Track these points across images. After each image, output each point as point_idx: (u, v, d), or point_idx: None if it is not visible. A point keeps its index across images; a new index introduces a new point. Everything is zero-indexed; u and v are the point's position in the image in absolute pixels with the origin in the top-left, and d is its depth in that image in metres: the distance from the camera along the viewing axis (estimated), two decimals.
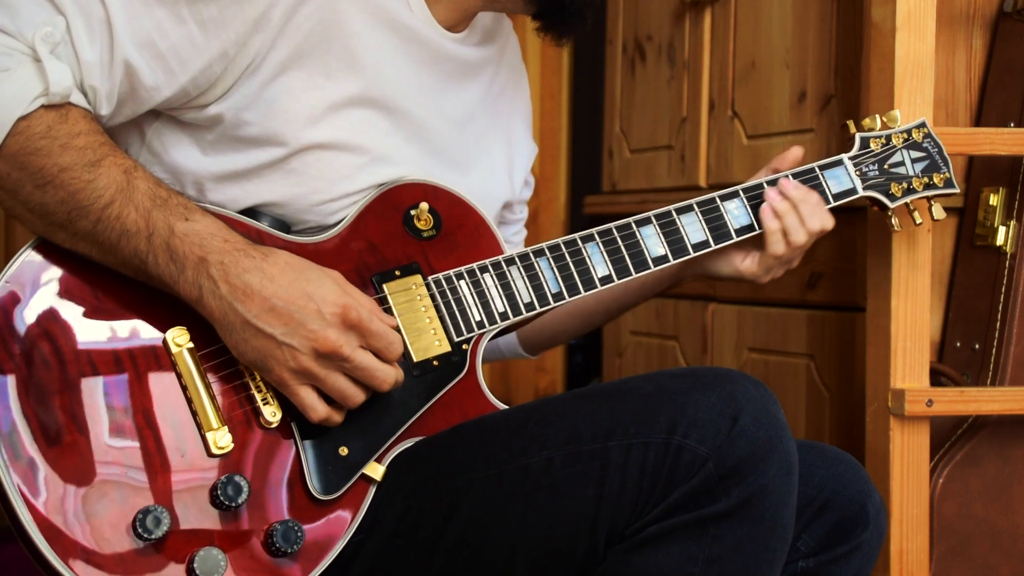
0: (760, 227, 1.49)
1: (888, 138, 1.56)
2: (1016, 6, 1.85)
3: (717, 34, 2.31)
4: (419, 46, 1.39)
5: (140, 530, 1.17)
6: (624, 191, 2.62)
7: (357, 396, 1.25)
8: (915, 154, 1.57)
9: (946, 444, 1.82)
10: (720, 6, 2.30)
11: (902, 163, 1.56)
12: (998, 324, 1.80)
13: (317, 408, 1.24)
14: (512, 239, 1.66)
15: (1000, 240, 1.81)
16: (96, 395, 1.20)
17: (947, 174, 1.58)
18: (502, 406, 1.36)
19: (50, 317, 1.22)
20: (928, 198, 1.58)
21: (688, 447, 1.19)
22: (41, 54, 1.21)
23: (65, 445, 1.18)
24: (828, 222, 1.50)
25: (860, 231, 1.85)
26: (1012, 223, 1.80)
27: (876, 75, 1.70)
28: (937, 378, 1.79)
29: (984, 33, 1.89)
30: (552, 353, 3.48)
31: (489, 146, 1.52)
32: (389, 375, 1.25)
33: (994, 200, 1.82)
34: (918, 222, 1.59)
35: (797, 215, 1.48)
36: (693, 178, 2.35)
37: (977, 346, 1.82)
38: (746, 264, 1.52)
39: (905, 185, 1.56)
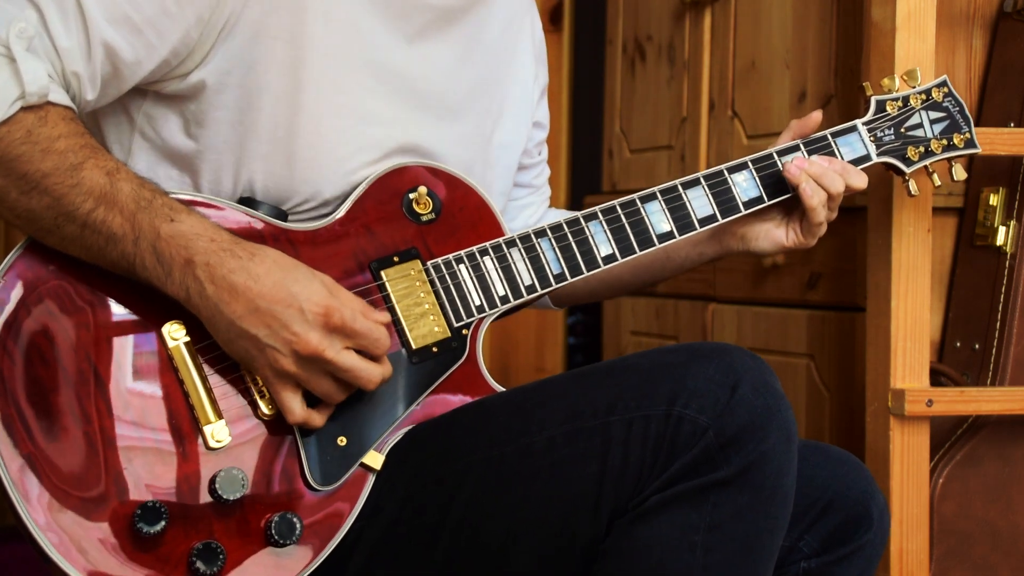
0: (791, 192, 1.45)
1: (905, 100, 1.52)
2: (1016, 6, 1.85)
3: (717, 34, 2.31)
4: None
5: (139, 524, 1.17)
6: (624, 191, 2.61)
7: (340, 396, 1.25)
8: (934, 115, 1.53)
9: (946, 444, 1.82)
10: (720, 6, 2.30)
11: (920, 125, 1.52)
12: (998, 324, 1.80)
13: (295, 412, 1.23)
14: (534, 182, 1.64)
15: (1000, 240, 1.81)
16: (94, 390, 1.20)
17: (968, 134, 1.53)
18: (503, 391, 1.35)
19: (46, 313, 1.21)
20: (948, 159, 1.54)
21: (688, 417, 1.19)
22: (16, 53, 1.19)
23: (63, 441, 1.18)
24: (859, 181, 1.47)
25: (860, 231, 1.85)
26: (1012, 223, 1.80)
27: (876, 75, 1.69)
28: (937, 378, 1.79)
29: (984, 33, 1.89)
30: (552, 353, 3.48)
31: (488, 89, 1.49)
32: (374, 374, 1.24)
33: (994, 200, 1.82)
34: (937, 184, 1.54)
35: (827, 181, 1.44)
36: None
37: (977, 346, 1.82)
38: (791, 237, 1.49)
39: (922, 148, 1.51)
